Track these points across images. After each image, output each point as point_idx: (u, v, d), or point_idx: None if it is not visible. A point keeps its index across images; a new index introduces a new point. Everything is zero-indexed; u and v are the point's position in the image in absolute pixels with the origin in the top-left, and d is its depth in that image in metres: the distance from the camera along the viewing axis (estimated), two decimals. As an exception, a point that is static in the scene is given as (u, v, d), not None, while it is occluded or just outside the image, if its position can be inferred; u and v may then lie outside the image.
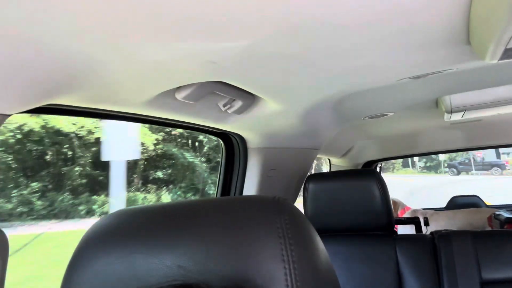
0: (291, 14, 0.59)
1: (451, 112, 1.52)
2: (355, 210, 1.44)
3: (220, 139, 1.53)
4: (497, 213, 2.13)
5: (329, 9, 0.59)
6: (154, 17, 0.54)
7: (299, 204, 1.78)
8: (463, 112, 1.55)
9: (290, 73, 0.88)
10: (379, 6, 0.59)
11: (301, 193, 1.65)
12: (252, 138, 1.47)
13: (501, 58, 0.68)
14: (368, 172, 1.50)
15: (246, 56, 0.74)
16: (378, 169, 2.99)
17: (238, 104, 1.07)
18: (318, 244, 0.48)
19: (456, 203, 2.96)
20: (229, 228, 0.46)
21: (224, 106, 1.07)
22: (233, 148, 1.55)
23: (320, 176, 1.57)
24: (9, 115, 0.66)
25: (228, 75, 0.83)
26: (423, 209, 2.79)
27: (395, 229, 1.52)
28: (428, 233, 1.57)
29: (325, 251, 0.49)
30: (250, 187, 1.56)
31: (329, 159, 2.80)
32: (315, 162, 2.38)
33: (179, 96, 0.90)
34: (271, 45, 0.70)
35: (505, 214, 2.03)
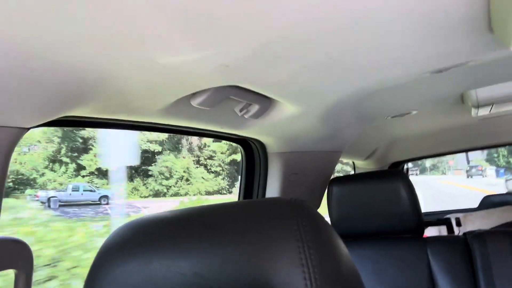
0: (302, 14, 0.58)
1: (478, 106, 1.46)
2: (382, 212, 1.41)
3: (239, 145, 1.52)
4: None
5: (341, 6, 0.57)
6: (166, 23, 0.54)
7: (323, 208, 1.75)
8: (490, 106, 1.48)
9: (306, 73, 0.87)
10: None
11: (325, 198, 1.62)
12: (271, 143, 1.46)
13: (528, 43, 0.64)
14: (393, 172, 1.46)
15: (259, 58, 0.73)
16: (405, 170, 2.91)
17: (254, 108, 1.06)
18: (340, 247, 0.46)
19: (490, 202, 2.84)
20: (245, 232, 0.45)
21: (240, 111, 1.06)
22: (253, 153, 1.54)
23: (343, 179, 1.54)
24: (28, 129, 0.67)
25: (242, 78, 0.83)
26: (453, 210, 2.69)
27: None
28: (461, 234, 1.51)
29: (348, 254, 0.47)
30: (273, 193, 1.54)
31: (353, 162, 2.75)
32: (340, 166, 2.34)
33: (194, 102, 0.90)
34: (284, 45, 0.69)
35: None
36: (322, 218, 0.48)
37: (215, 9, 0.53)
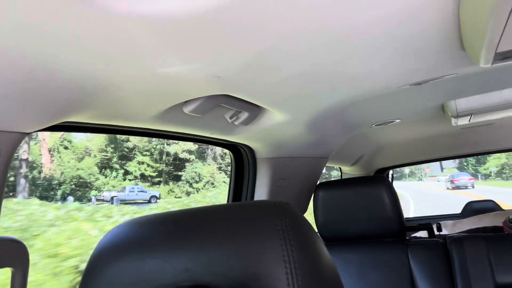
0: (291, 28, 0.63)
1: (457, 116, 1.53)
2: (366, 217, 1.45)
3: (229, 151, 1.56)
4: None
5: (328, 22, 0.62)
6: (161, 34, 0.58)
7: (310, 212, 1.79)
8: (469, 116, 1.55)
9: (294, 83, 0.91)
10: (373, 17, 0.63)
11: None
12: (260, 149, 1.50)
13: (494, 62, 0.70)
14: (377, 178, 1.51)
15: (249, 69, 0.78)
16: (390, 177, 2.98)
17: (244, 115, 1.10)
18: (319, 246, 0.50)
19: (472, 208, 2.93)
20: (233, 231, 0.49)
21: (230, 118, 1.11)
22: (242, 158, 1.58)
23: (329, 184, 1.59)
24: (28, 133, 0.70)
25: (232, 88, 0.87)
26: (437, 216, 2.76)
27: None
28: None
29: (328, 254, 0.51)
30: (261, 197, 1.58)
31: (340, 168, 2.81)
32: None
33: (187, 110, 0.94)
34: (274, 57, 0.74)
35: None
36: (304, 219, 0.52)
37: (208, 23, 0.57)
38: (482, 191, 18.82)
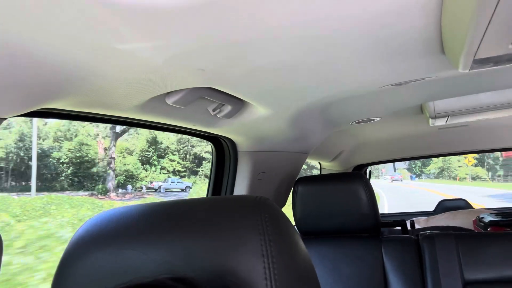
0: (276, 26, 0.63)
1: (435, 117, 1.57)
2: (343, 212, 1.48)
3: (211, 143, 1.56)
4: (481, 216, 2.19)
5: (313, 20, 0.63)
6: (143, 25, 0.58)
7: (289, 207, 1.82)
8: (446, 118, 1.60)
9: (276, 80, 0.92)
10: (357, 18, 0.64)
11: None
12: (242, 142, 1.51)
13: (472, 68, 0.73)
14: (355, 175, 1.54)
15: (234, 64, 0.78)
16: (368, 173, 3.04)
17: (227, 108, 1.10)
18: (297, 242, 0.52)
19: (444, 206, 3.02)
20: (213, 225, 0.50)
21: (213, 110, 1.10)
22: (224, 151, 1.58)
23: (308, 179, 1.61)
24: (5, 119, 0.69)
25: (216, 81, 0.87)
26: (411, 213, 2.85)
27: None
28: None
29: (305, 249, 0.53)
30: (241, 190, 1.59)
31: (319, 163, 2.84)
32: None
33: (169, 101, 0.93)
34: (257, 53, 0.74)
35: (489, 217, 2.09)
36: (283, 214, 0.53)
37: (191, 14, 0.57)
38: (409, 183, 29.02)
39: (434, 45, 0.77)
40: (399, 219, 2.10)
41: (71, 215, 7.53)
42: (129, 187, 18.21)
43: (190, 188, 18.79)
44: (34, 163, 15.05)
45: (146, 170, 19.22)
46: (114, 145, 17.30)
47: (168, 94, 0.92)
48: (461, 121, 1.72)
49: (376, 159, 2.96)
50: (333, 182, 1.53)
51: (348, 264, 1.46)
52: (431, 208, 3.21)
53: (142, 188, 18.28)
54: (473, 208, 3.00)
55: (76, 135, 18.03)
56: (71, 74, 0.68)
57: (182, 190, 18.60)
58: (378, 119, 1.75)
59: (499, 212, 2.25)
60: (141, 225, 0.54)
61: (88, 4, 0.50)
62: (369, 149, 2.67)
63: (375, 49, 0.78)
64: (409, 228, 2.18)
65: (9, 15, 0.51)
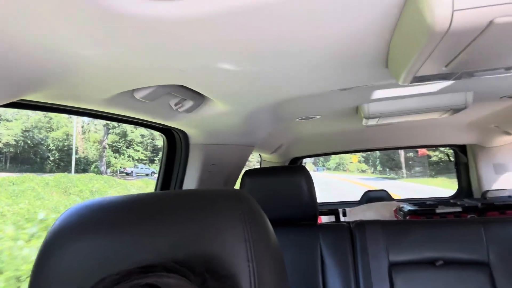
0: (237, 39, 0.70)
1: (368, 118, 1.76)
2: (287, 202, 1.60)
3: (163, 134, 1.58)
4: (401, 206, 2.48)
5: (274, 34, 0.69)
6: (116, 31, 0.60)
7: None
8: (378, 118, 1.80)
9: (238, 80, 0.99)
10: (317, 34, 0.71)
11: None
12: (195, 135, 1.55)
13: (412, 82, 0.87)
14: (298, 168, 1.67)
15: (207, 69, 0.84)
16: (303, 164, 3.24)
17: (189, 103, 1.15)
18: (270, 228, 0.61)
19: (369, 197, 3.34)
20: (200, 214, 0.56)
21: (175, 105, 1.14)
22: (175, 143, 1.61)
23: (256, 172, 1.71)
24: None
25: (188, 80, 0.92)
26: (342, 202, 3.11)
27: (319, 220, 1.72)
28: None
29: (274, 234, 0.62)
30: (190, 182, 1.63)
31: (260, 155, 2.97)
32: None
33: (138, 96, 0.95)
34: (225, 62, 0.81)
35: (408, 207, 2.38)
36: (258, 205, 0.62)
37: (163, 23, 0.60)
38: (316, 173, 34.60)
39: (380, 61, 0.90)
40: (332, 208, 2.30)
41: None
42: (108, 171, 22.19)
43: (155, 173, 21.04)
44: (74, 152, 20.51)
45: (116, 158, 23.26)
46: (106, 138, 22.49)
47: (137, 89, 0.95)
48: (389, 122, 1.95)
49: (312, 152, 3.17)
50: (279, 174, 1.64)
51: (291, 250, 1.59)
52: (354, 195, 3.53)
53: (117, 172, 21.94)
54: (392, 197, 3.36)
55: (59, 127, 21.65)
56: (48, 67, 0.68)
57: (147, 175, 21.51)
58: (319, 117, 1.91)
59: (416, 202, 2.57)
60: (127, 215, 0.57)
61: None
62: (306, 143, 2.85)
63: (328, 59, 0.88)
64: (341, 217, 2.40)
65: None
